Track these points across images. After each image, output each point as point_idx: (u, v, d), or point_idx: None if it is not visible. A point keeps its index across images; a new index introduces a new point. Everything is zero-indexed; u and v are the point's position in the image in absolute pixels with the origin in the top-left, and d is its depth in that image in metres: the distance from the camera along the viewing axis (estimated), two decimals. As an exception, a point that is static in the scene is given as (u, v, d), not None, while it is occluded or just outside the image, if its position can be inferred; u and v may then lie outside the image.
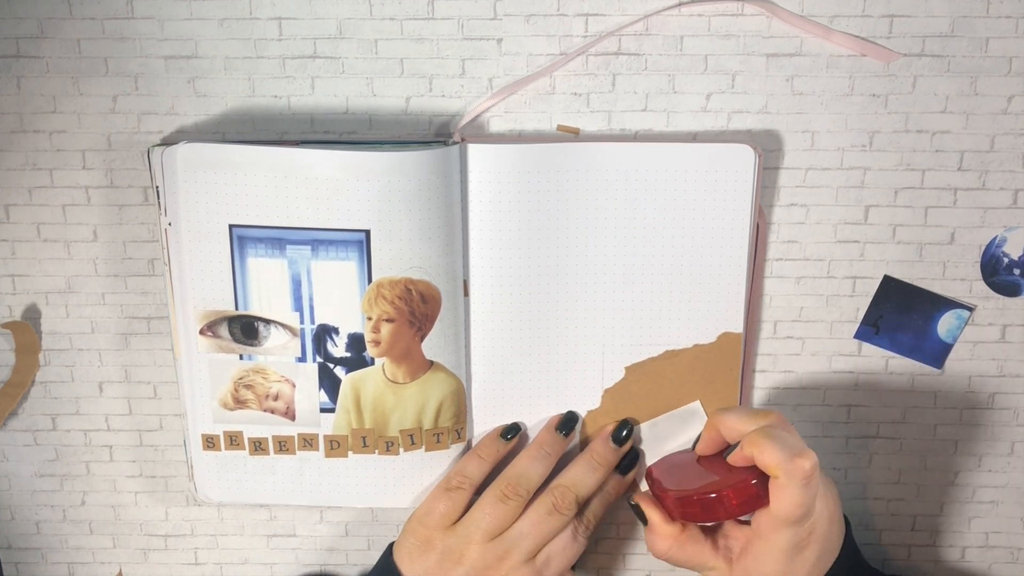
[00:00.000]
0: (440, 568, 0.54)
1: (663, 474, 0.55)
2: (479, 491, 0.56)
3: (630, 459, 0.57)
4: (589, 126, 0.55)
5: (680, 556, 0.52)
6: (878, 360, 0.58)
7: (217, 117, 0.55)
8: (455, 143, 0.52)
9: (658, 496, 0.54)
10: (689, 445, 0.57)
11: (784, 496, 0.47)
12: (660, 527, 0.53)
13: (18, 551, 0.62)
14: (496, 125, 0.55)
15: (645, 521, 0.53)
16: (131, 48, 0.54)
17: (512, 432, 0.57)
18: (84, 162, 0.55)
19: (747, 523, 0.52)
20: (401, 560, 0.55)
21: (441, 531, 0.54)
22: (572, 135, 0.55)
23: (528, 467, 0.55)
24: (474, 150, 0.53)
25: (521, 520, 0.54)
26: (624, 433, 0.57)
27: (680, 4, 0.53)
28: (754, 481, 0.48)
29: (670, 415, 0.57)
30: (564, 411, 0.57)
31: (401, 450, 0.56)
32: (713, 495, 0.49)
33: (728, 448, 0.53)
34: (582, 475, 0.55)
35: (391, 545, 0.56)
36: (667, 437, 0.58)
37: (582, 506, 0.55)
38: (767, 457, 0.47)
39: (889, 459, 0.59)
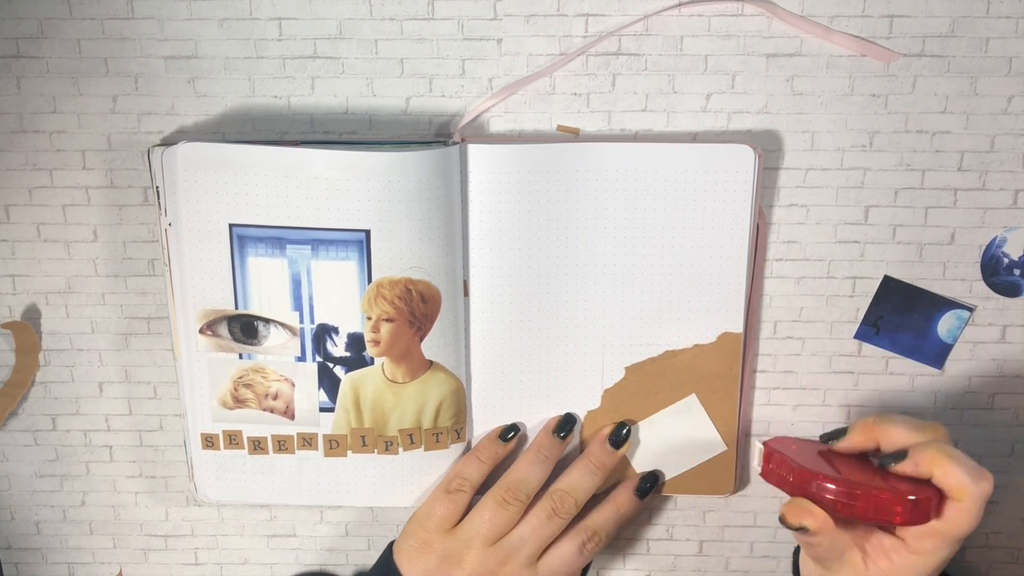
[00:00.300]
0: (440, 571, 0.54)
1: (804, 458, 0.51)
2: (480, 492, 0.56)
3: (650, 482, 0.57)
4: (589, 126, 0.55)
5: (832, 547, 0.49)
6: (878, 360, 0.58)
7: (217, 117, 0.55)
8: (455, 143, 0.52)
9: (800, 481, 0.49)
10: (684, 439, 0.57)
11: (964, 519, 0.46)
12: (827, 524, 0.48)
13: (18, 551, 0.62)
14: (496, 125, 0.55)
15: (807, 530, 0.48)
16: (131, 48, 0.54)
17: (511, 433, 0.57)
18: (84, 162, 0.55)
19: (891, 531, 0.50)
20: (401, 561, 0.55)
21: (441, 534, 0.54)
22: (572, 135, 0.55)
23: (527, 471, 0.55)
24: (474, 150, 0.53)
25: (521, 525, 0.54)
26: (623, 434, 0.57)
27: (680, 4, 0.53)
28: (931, 497, 0.46)
29: (666, 411, 0.57)
30: (562, 413, 0.57)
31: (400, 450, 0.56)
32: (886, 496, 0.46)
33: (873, 451, 0.51)
34: (580, 479, 0.55)
35: (391, 544, 0.56)
36: (665, 433, 0.58)
37: (584, 512, 0.55)
38: (952, 479, 0.45)
39: (889, 459, 0.59)
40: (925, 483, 0.47)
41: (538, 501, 0.55)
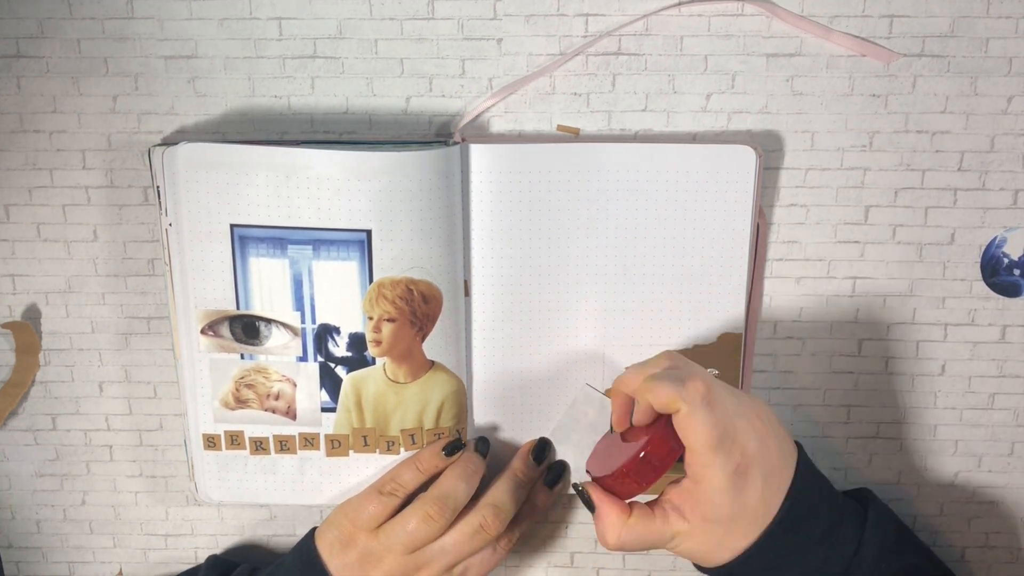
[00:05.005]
0: (360, 567, 0.53)
1: (594, 465, 0.53)
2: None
3: (556, 472, 0.57)
4: (589, 126, 0.55)
5: (634, 539, 0.49)
6: (878, 360, 0.58)
7: (217, 117, 0.55)
8: (455, 143, 0.52)
9: (599, 486, 0.51)
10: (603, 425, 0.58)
11: (692, 424, 0.45)
12: (609, 512, 0.49)
13: (19, 550, 0.62)
14: (496, 125, 0.55)
15: (592, 508, 0.50)
16: (131, 48, 0.54)
17: (454, 450, 0.55)
18: (84, 162, 0.55)
19: (681, 479, 0.49)
20: (322, 548, 0.54)
21: (366, 532, 0.54)
22: (572, 135, 0.55)
23: (454, 486, 0.54)
24: (475, 150, 0.53)
25: (445, 536, 0.53)
26: (545, 448, 0.57)
27: (680, 4, 0.53)
28: (659, 436, 0.47)
29: (569, 410, 0.57)
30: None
31: (402, 449, 0.56)
32: (640, 457, 0.48)
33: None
34: (507, 494, 0.55)
35: (313, 530, 0.56)
36: (579, 429, 0.58)
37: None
38: (660, 396, 0.46)
39: (889, 459, 0.60)
40: (664, 421, 0.48)
41: (465, 515, 0.54)
